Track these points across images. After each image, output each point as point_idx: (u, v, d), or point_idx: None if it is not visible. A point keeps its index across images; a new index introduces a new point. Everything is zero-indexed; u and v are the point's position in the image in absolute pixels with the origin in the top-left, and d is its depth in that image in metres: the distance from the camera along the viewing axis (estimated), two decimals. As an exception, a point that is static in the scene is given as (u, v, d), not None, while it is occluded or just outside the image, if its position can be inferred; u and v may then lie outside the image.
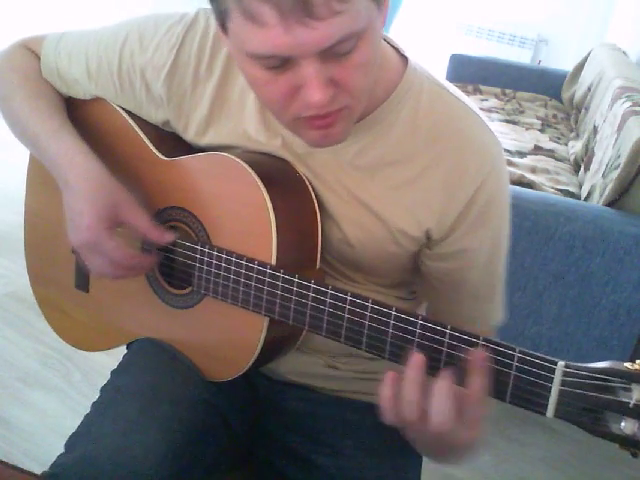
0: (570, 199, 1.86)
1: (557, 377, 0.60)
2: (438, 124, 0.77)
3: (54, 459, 0.79)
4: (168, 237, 0.83)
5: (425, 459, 0.96)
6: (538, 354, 0.62)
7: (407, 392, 0.64)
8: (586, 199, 1.94)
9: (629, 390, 0.57)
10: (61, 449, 0.81)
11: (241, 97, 0.82)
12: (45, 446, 1.59)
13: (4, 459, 0.76)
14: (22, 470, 0.74)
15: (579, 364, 0.60)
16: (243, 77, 0.79)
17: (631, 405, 0.57)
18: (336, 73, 0.64)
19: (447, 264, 0.81)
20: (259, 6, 0.58)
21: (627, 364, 0.58)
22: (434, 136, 0.77)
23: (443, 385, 0.63)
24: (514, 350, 0.63)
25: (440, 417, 0.62)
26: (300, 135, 0.73)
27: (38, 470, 0.77)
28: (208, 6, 0.68)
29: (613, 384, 0.58)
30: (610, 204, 1.68)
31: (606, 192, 1.70)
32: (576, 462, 1.73)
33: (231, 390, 0.86)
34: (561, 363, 0.60)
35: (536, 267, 1.68)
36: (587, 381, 0.59)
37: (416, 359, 0.64)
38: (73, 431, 0.82)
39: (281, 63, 0.63)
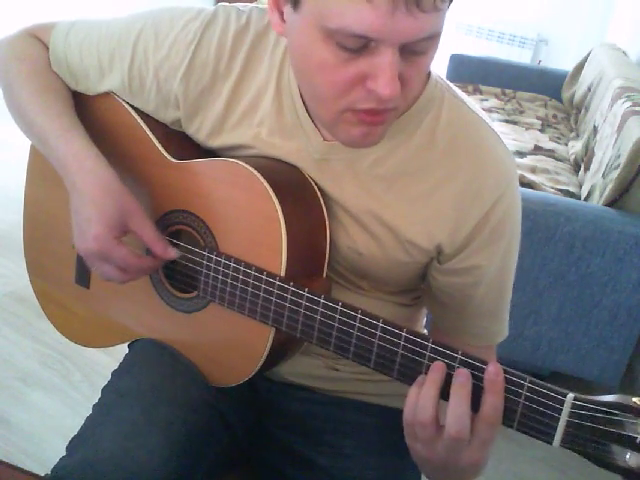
0: (570, 199, 1.86)
1: (565, 409, 0.60)
2: (456, 138, 0.77)
3: (55, 461, 0.79)
4: (172, 253, 0.82)
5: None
6: (548, 385, 0.62)
7: (425, 393, 0.64)
8: (586, 199, 1.94)
9: (636, 425, 0.57)
10: (61, 449, 0.81)
11: (258, 97, 0.81)
12: (45, 446, 1.59)
13: (4, 459, 0.75)
14: (22, 470, 0.74)
15: (588, 397, 0.60)
16: (263, 73, 0.79)
17: (638, 440, 0.57)
18: (406, 71, 0.65)
19: (458, 279, 0.81)
20: None
21: (635, 399, 0.58)
22: (452, 150, 0.77)
23: (461, 390, 0.64)
24: (524, 379, 0.63)
25: (456, 422, 0.62)
26: (339, 130, 0.71)
27: (38, 470, 0.77)
28: (227, 3, 0.66)
29: (620, 418, 0.58)
30: (610, 204, 1.68)
31: (606, 192, 1.70)
32: (576, 462, 1.72)
33: (232, 391, 0.86)
34: (570, 395, 0.60)
35: (536, 267, 1.68)
36: (595, 414, 0.59)
37: (438, 364, 0.66)
38: (74, 432, 0.82)
39: (361, 46, 0.62)
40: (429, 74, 0.78)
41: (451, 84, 0.81)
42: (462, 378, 0.64)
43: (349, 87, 0.65)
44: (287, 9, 0.66)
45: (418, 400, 0.65)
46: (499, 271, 0.81)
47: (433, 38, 0.64)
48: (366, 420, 0.91)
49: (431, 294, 0.86)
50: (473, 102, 0.81)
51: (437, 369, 0.66)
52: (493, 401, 0.62)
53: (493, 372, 0.63)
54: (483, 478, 1.41)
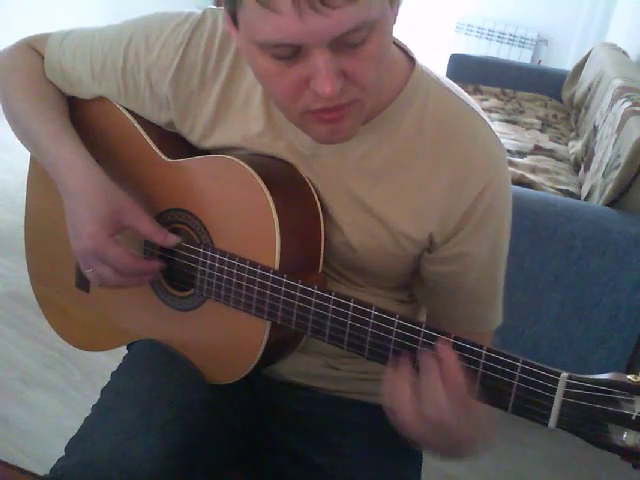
0: (570, 199, 1.86)
1: (560, 388, 0.60)
2: (444, 128, 0.77)
3: (54, 461, 0.79)
4: (172, 240, 0.83)
5: (425, 458, 0.96)
6: (541, 365, 0.62)
7: (400, 395, 0.65)
8: (586, 199, 1.94)
9: (631, 402, 0.57)
10: (61, 449, 0.81)
11: (247, 98, 0.82)
12: (45, 446, 1.59)
13: (4, 459, 0.75)
14: (22, 470, 0.74)
15: (582, 375, 0.60)
16: (251, 74, 0.79)
17: (633, 417, 0.56)
18: (347, 65, 0.64)
19: (446, 267, 0.81)
20: None
21: (630, 376, 0.58)
22: (440, 140, 0.77)
23: (430, 373, 0.64)
24: (517, 360, 0.63)
25: (433, 408, 0.63)
26: (308, 130, 0.73)
27: (38, 470, 0.77)
28: (214, 6, 0.67)
29: (616, 396, 0.57)
30: (610, 204, 1.68)
31: (606, 192, 1.70)
32: (576, 462, 1.73)
33: (231, 391, 0.86)
34: (564, 374, 0.60)
35: (536, 267, 1.68)
36: (590, 393, 0.59)
37: (402, 357, 0.67)
38: (73, 432, 0.82)
39: (292, 53, 0.63)
40: (414, 65, 0.79)
41: (440, 75, 0.81)
42: (427, 359, 0.65)
43: (296, 92, 0.66)
44: (234, 28, 0.69)
45: (395, 398, 0.65)
46: (489, 258, 0.81)
47: (366, 28, 0.62)
48: (366, 420, 0.91)
49: (421, 284, 0.86)
50: (462, 91, 0.81)
51: (402, 362, 0.66)
52: (453, 379, 0.63)
53: (441, 350, 0.64)
54: (483, 478, 1.41)
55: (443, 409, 0.63)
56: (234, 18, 0.66)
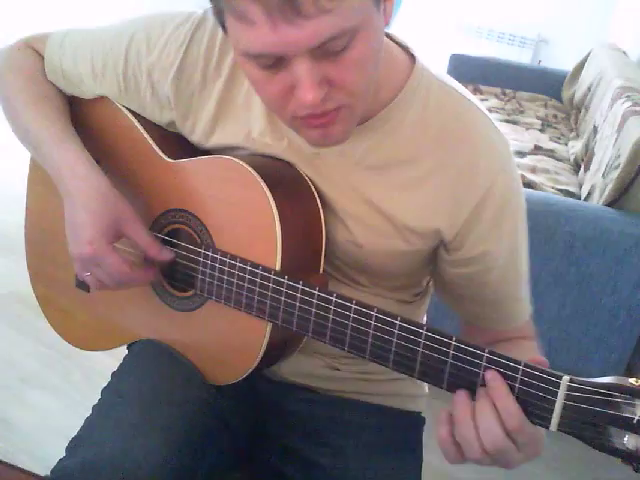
0: (570, 199, 1.86)
1: (561, 391, 0.60)
2: (447, 124, 0.77)
3: (54, 461, 0.79)
4: (166, 255, 0.83)
5: (425, 459, 0.96)
6: (543, 368, 0.62)
7: (461, 429, 0.64)
8: (586, 199, 1.94)
9: (633, 406, 0.57)
10: (61, 449, 0.81)
11: (248, 98, 0.82)
12: (45, 446, 1.59)
13: (4, 459, 0.75)
14: (22, 470, 0.74)
15: (584, 379, 0.60)
16: None
17: (634, 421, 0.56)
18: (330, 72, 0.64)
19: (468, 269, 0.81)
20: (246, 5, 0.58)
21: (632, 380, 0.58)
22: (443, 136, 0.77)
23: (483, 405, 0.63)
24: (519, 364, 0.63)
25: (488, 439, 0.63)
26: (301, 134, 0.73)
27: (38, 470, 0.77)
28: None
29: (617, 399, 0.57)
30: (610, 204, 1.68)
31: (606, 192, 1.71)
32: (576, 462, 1.72)
33: (232, 391, 0.86)
34: (566, 377, 0.60)
35: (536, 267, 1.67)
36: (591, 396, 0.59)
37: (460, 396, 0.65)
38: (74, 432, 0.82)
39: (274, 62, 0.63)
40: (414, 63, 0.78)
41: (440, 72, 0.81)
42: (479, 392, 0.64)
43: (284, 98, 0.67)
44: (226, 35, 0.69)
45: (456, 434, 0.65)
46: (510, 254, 0.81)
47: (346, 35, 0.61)
48: (366, 420, 0.91)
49: (446, 290, 0.86)
50: (464, 88, 0.81)
51: (460, 402, 0.65)
52: (504, 406, 0.62)
53: (490, 379, 0.63)
54: (483, 478, 1.41)
55: (500, 439, 0.62)
56: (223, 27, 0.66)
